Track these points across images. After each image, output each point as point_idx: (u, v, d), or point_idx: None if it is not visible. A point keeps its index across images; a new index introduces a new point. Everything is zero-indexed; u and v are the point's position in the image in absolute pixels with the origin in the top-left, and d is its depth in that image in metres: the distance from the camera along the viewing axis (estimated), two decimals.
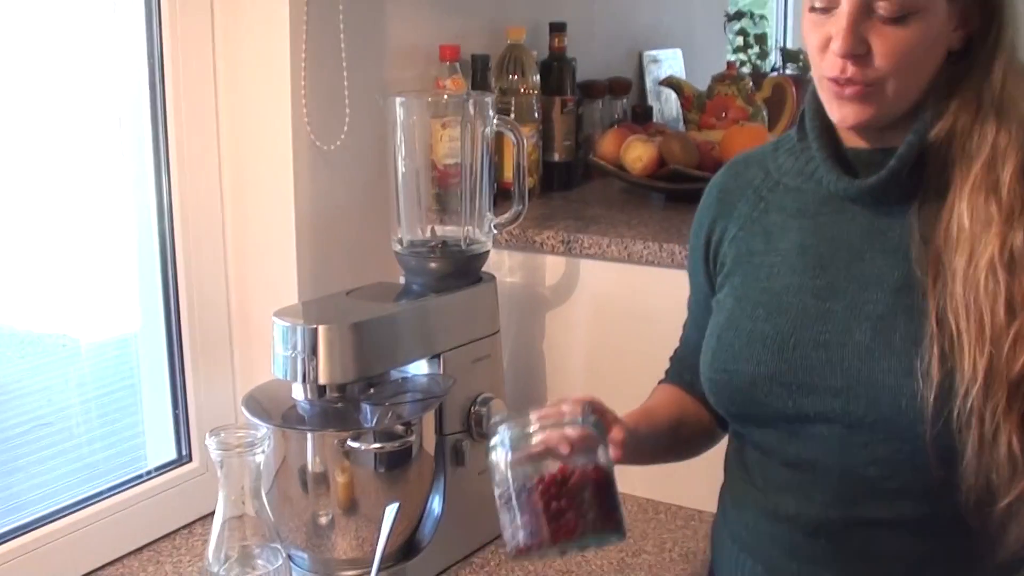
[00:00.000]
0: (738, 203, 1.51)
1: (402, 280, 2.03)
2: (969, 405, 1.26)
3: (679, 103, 2.96)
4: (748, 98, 2.81)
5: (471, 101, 1.97)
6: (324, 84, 2.02)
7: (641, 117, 2.94)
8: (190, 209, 2.01)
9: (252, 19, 1.99)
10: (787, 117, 2.87)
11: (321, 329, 1.73)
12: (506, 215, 2.04)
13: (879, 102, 1.32)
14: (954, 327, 1.28)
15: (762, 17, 3.20)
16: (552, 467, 1.30)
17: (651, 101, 3.18)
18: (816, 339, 1.38)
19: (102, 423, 2.00)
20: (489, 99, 1.98)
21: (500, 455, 1.32)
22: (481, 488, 1.57)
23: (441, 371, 1.91)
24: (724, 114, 2.80)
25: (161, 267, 2.03)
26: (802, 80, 2.98)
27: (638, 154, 2.45)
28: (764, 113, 2.83)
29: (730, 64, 2.91)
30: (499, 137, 2.14)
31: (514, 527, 1.32)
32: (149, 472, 2.02)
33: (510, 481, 1.31)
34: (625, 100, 2.92)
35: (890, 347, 1.33)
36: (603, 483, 1.31)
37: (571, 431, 1.31)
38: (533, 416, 1.33)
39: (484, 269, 2.04)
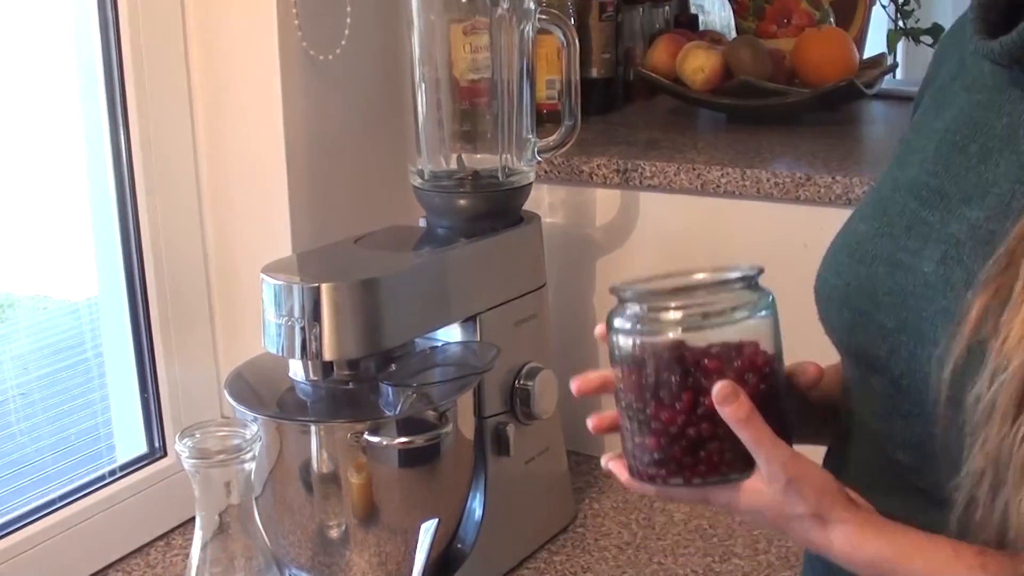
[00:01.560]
0: (943, 65, 1.12)
1: (423, 222, 1.62)
2: (989, 398, 0.83)
3: (731, 9, 2.54)
4: (813, 0, 2.39)
5: None
6: None
7: (687, 26, 2.53)
8: (153, 140, 1.60)
9: None
10: (859, 21, 2.45)
11: (324, 288, 1.33)
12: (554, 136, 1.62)
13: None
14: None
15: None
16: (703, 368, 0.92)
17: (693, 9, 2.75)
18: (893, 256, 1.01)
19: (51, 411, 1.59)
20: None
21: (626, 344, 0.94)
22: (530, 481, 1.38)
23: (478, 338, 1.50)
24: (787, 20, 2.38)
25: (119, 215, 1.62)
26: None
27: (699, 64, 2.03)
28: (832, 18, 2.40)
29: None
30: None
31: (634, 444, 0.96)
32: (114, 472, 1.61)
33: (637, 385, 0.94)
34: (667, 8, 2.50)
35: (949, 286, 0.93)
36: (770, 398, 0.94)
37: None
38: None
39: (525, 207, 1.62)
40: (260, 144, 1.62)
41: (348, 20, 1.63)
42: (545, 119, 1.99)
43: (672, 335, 0.93)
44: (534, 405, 1.54)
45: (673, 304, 0.94)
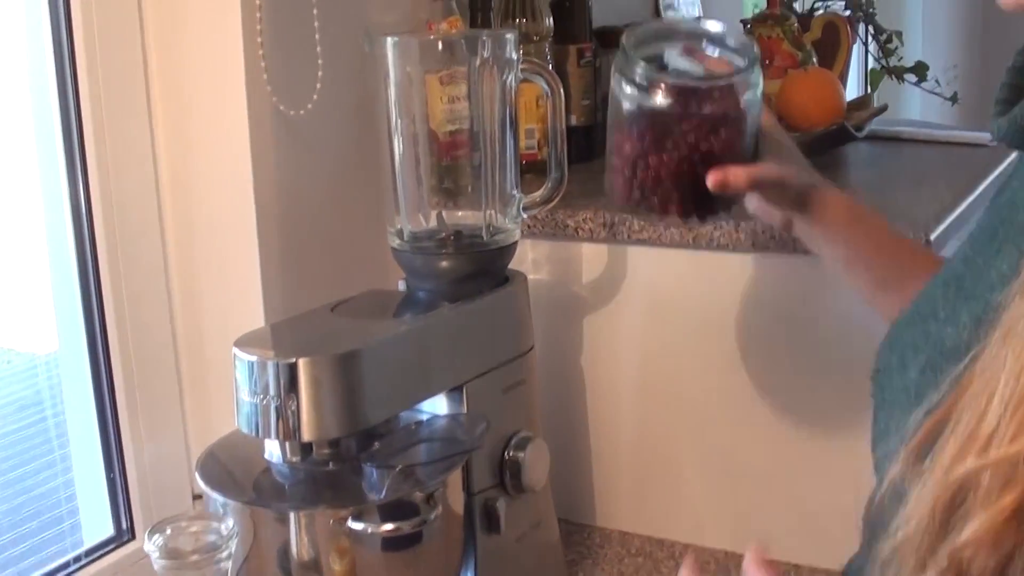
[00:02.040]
0: None
1: (402, 285, 1.53)
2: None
3: None
4: (795, 40, 2.32)
5: (486, 40, 1.46)
6: (288, 29, 1.52)
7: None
8: (115, 203, 1.51)
9: None
10: (841, 62, 2.39)
11: (302, 364, 1.23)
12: (540, 192, 1.54)
13: None
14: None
15: None
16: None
17: None
18: (903, 353, 0.96)
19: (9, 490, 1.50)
20: (510, 36, 1.47)
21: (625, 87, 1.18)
22: (521, 556, 1.38)
23: (465, 408, 1.41)
24: (769, 61, 2.31)
25: (80, 279, 1.53)
26: (855, 18, 2.50)
27: None
28: (814, 58, 2.34)
29: (771, 1, 2.42)
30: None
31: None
32: (79, 558, 1.50)
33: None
34: None
35: (920, 400, 0.79)
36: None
37: None
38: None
39: (508, 265, 1.54)
40: (229, 204, 1.54)
41: (320, 73, 1.54)
42: (524, 169, 1.91)
43: None
44: (525, 477, 1.45)
45: None
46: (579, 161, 2.07)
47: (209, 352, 1.57)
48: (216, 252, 1.56)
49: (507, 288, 1.50)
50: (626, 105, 1.23)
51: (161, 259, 1.57)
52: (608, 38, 2.27)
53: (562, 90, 1.50)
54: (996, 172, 1.86)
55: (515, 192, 1.50)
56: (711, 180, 1.18)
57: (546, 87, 1.49)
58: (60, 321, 1.57)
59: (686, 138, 1.18)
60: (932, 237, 1.48)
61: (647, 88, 1.19)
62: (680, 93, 1.18)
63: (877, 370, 1.04)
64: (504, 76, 1.45)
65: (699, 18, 2.55)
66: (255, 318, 1.53)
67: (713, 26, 1.26)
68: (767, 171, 1.23)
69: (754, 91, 1.19)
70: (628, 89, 1.22)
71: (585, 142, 2.13)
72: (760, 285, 1.61)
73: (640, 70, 1.19)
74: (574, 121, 2.10)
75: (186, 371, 1.60)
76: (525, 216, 1.53)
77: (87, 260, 1.52)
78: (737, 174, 1.18)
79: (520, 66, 1.47)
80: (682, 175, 1.19)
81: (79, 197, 1.50)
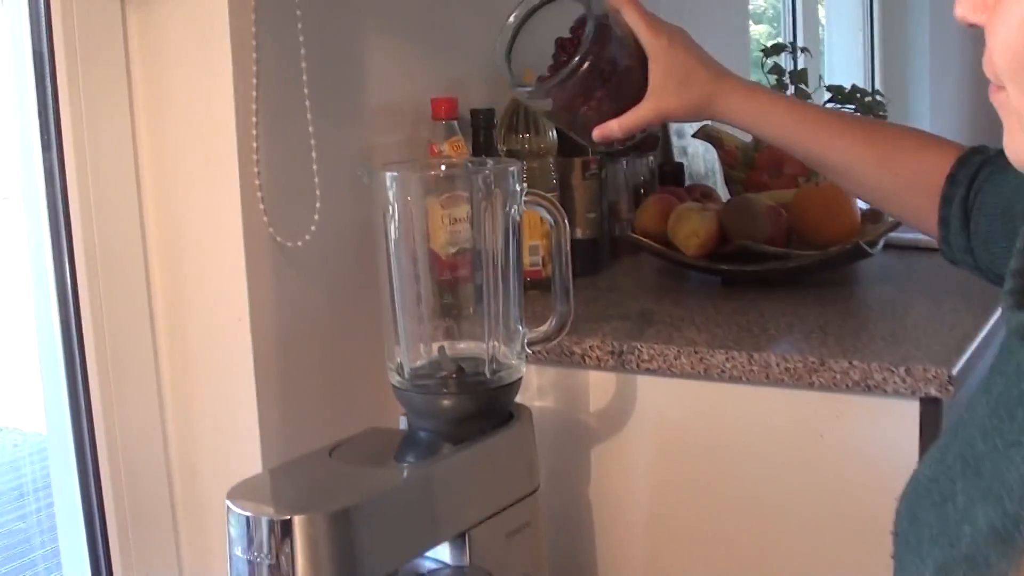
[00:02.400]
0: None
1: (403, 423, 1.47)
2: None
3: (715, 159, 2.42)
4: None
5: (487, 172, 1.41)
6: (285, 158, 1.48)
7: (672, 178, 2.41)
8: (109, 342, 1.46)
9: (181, 72, 1.45)
10: None
11: (297, 522, 1.17)
12: (544, 326, 1.48)
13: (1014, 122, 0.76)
14: None
15: (804, 51, 2.67)
16: None
17: (676, 157, 2.64)
18: (919, 535, 0.89)
19: None
20: (514, 169, 1.42)
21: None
22: None
23: (468, 557, 1.35)
24: (778, 169, 2.27)
25: (72, 418, 1.47)
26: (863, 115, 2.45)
27: (692, 228, 1.91)
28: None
29: None
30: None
31: None
32: None
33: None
34: (651, 158, 2.38)
35: None
36: None
37: None
38: None
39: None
40: (224, 340, 1.49)
41: (318, 204, 1.49)
42: (528, 286, 1.86)
43: None
44: None
45: None
46: (584, 275, 2.03)
47: (205, 495, 1.51)
48: (212, 389, 1.51)
49: (512, 427, 1.44)
50: None
51: (156, 397, 1.52)
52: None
53: (566, 221, 1.45)
54: None
55: (520, 327, 1.44)
56: (597, 137, 1.36)
57: (550, 218, 1.44)
58: (55, 473, 1.51)
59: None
60: (954, 372, 1.42)
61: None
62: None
63: (896, 533, 0.98)
64: (507, 208, 1.41)
65: None
66: (252, 457, 1.48)
67: None
68: (643, 118, 1.34)
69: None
70: None
71: (591, 256, 2.08)
72: (774, 419, 1.55)
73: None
74: (579, 234, 2.05)
75: (182, 516, 1.55)
76: (530, 352, 1.47)
77: (79, 399, 1.46)
78: (611, 128, 1.35)
79: (523, 197, 1.42)
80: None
81: (71, 329, 1.45)
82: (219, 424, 1.51)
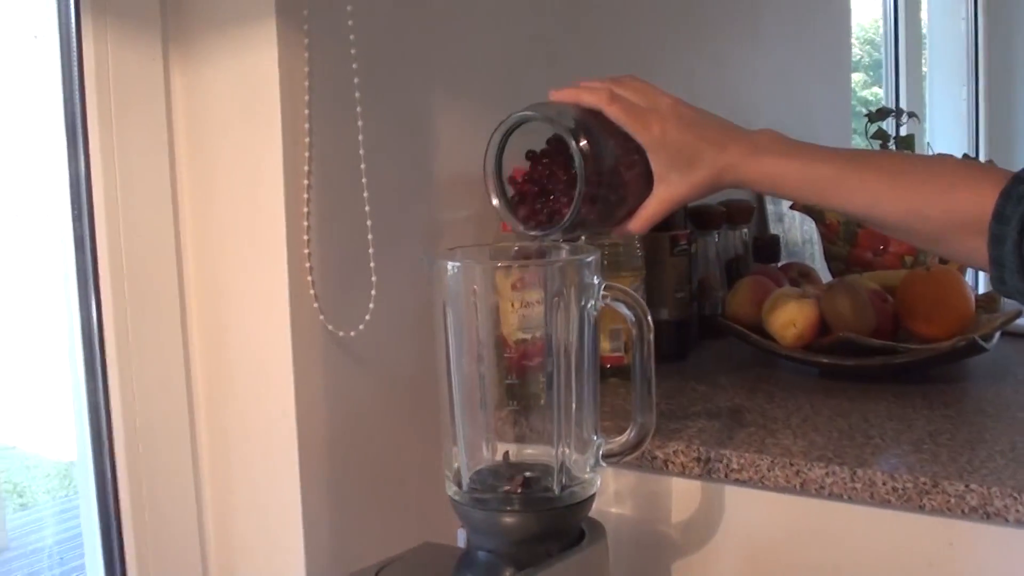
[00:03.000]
0: None
1: (461, 538, 1.31)
2: None
3: (813, 231, 2.26)
4: None
5: (563, 265, 1.26)
6: (339, 238, 1.35)
7: (767, 252, 2.25)
8: (140, 436, 1.33)
9: (228, 141, 1.32)
10: None
11: None
12: (624, 438, 1.31)
13: None
14: None
15: (912, 116, 2.50)
16: None
17: (772, 227, 2.48)
18: None
19: None
20: (592, 259, 1.27)
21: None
22: None
23: None
24: (883, 247, 2.09)
25: (101, 519, 1.33)
26: None
27: (790, 317, 1.74)
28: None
29: None
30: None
31: None
32: None
33: None
34: (745, 230, 2.22)
35: None
36: None
37: None
38: None
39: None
40: (270, 438, 1.35)
41: (373, 291, 1.35)
42: (609, 373, 1.71)
43: None
44: None
45: None
46: (669, 361, 1.88)
47: None
48: (254, 491, 1.38)
49: (583, 550, 1.28)
50: None
51: (194, 499, 1.38)
52: (706, 219, 2.08)
53: (649, 319, 1.29)
54: None
55: (595, 436, 1.28)
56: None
57: (630, 315, 1.28)
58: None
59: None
60: None
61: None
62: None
63: None
64: (582, 302, 1.25)
65: None
66: (295, 569, 1.34)
67: None
68: (656, 212, 1.30)
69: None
70: None
71: (678, 339, 1.93)
72: (878, 544, 1.38)
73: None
74: (666, 316, 1.90)
75: None
76: (604, 465, 1.31)
77: (108, 503, 1.33)
78: (628, 230, 1.33)
79: (602, 292, 1.26)
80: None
81: (101, 430, 1.32)
82: (261, 530, 1.37)
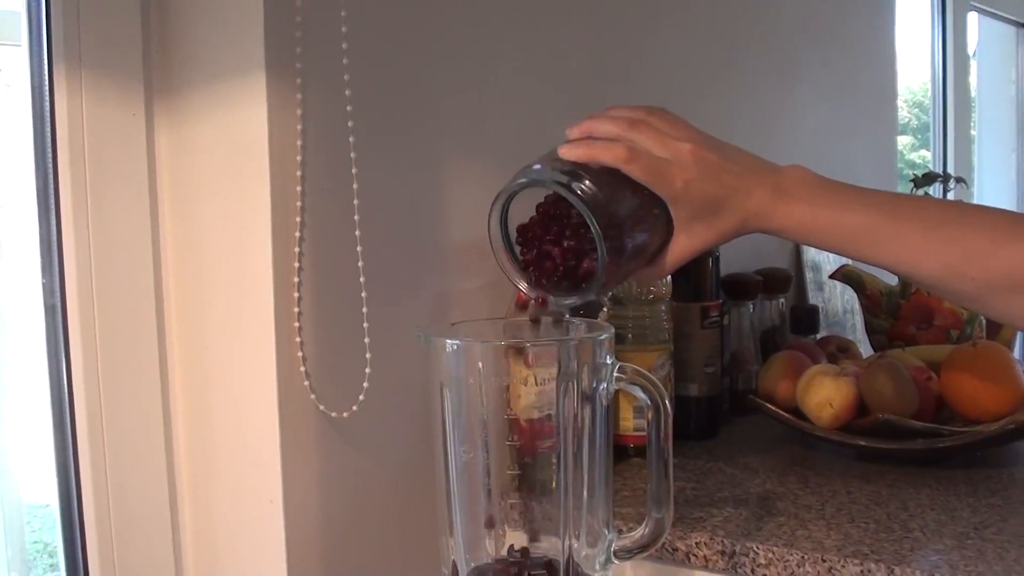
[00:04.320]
0: None
1: None
2: None
3: (854, 300, 2.14)
4: None
5: (572, 344, 1.16)
6: (332, 314, 1.25)
7: (805, 323, 2.13)
8: (114, 528, 1.23)
9: (213, 208, 1.24)
10: None
11: None
12: (638, 534, 1.20)
13: None
14: None
15: (959, 181, 2.39)
16: None
17: (811, 296, 2.36)
18: None
19: None
20: (604, 337, 1.16)
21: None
22: None
23: None
24: (927, 321, 1.98)
25: None
26: None
27: (827, 396, 1.63)
28: (983, 317, 1.99)
29: None
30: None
31: None
32: None
33: None
34: (783, 300, 2.11)
35: None
36: None
37: None
38: None
39: None
40: (255, 525, 1.25)
41: (368, 370, 1.25)
42: (632, 453, 1.61)
43: None
44: None
45: None
46: (699, 439, 1.78)
47: None
48: None
49: None
50: None
51: None
52: (739, 288, 1.98)
53: (668, 404, 1.18)
54: None
55: (606, 530, 1.17)
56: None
57: (646, 399, 1.18)
58: None
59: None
60: None
61: None
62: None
63: None
64: (595, 384, 1.15)
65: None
66: None
67: None
68: (680, 257, 1.18)
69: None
70: None
71: (707, 417, 1.82)
72: None
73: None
74: (695, 391, 1.80)
75: None
76: (616, 562, 1.20)
77: None
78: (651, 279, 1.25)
79: (616, 373, 1.16)
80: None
81: (72, 519, 1.22)
82: None
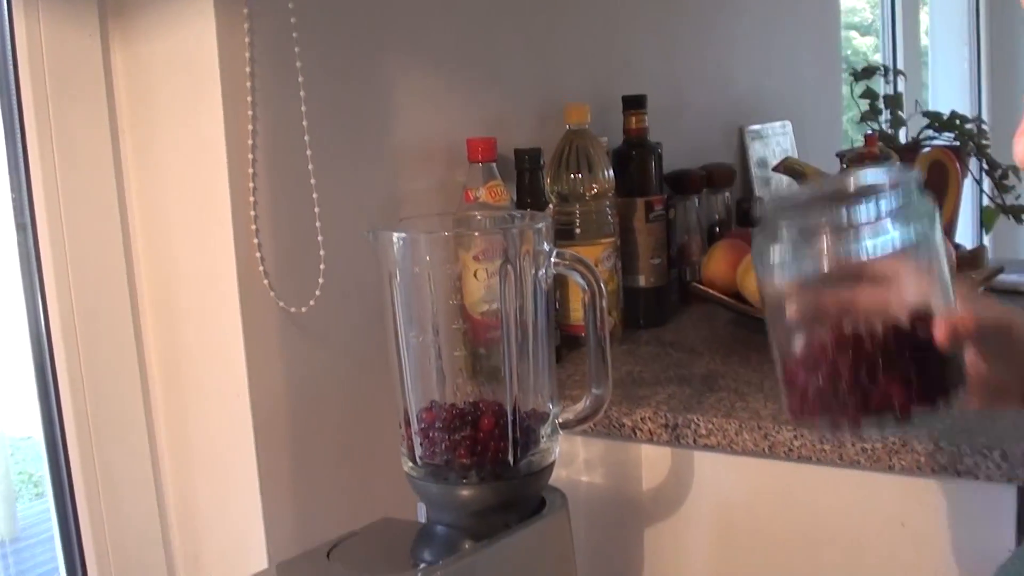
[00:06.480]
0: None
1: (422, 513, 1.29)
2: None
3: None
4: None
5: (513, 231, 1.24)
6: (286, 216, 1.32)
7: (751, 216, 2.21)
8: (92, 423, 1.31)
9: (170, 118, 1.30)
10: (950, 204, 2.13)
11: None
12: (579, 407, 1.29)
13: None
14: None
15: (899, 73, 2.46)
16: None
17: (758, 191, 2.44)
18: None
19: None
20: (542, 224, 1.24)
21: (774, 273, 0.90)
22: None
23: None
24: None
25: (57, 506, 1.32)
26: (963, 152, 2.24)
27: None
28: None
29: (869, 137, 2.17)
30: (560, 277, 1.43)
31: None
32: None
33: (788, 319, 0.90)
34: (728, 193, 2.19)
35: None
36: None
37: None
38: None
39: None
40: (225, 416, 1.33)
41: (322, 265, 1.33)
42: (583, 343, 1.68)
43: None
44: None
45: None
46: (648, 327, 1.86)
47: None
48: (213, 471, 1.36)
49: (544, 518, 1.25)
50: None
51: (153, 482, 1.36)
52: (684, 183, 2.05)
53: (603, 287, 1.26)
54: None
55: (551, 405, 1.26)
56: (940, 333, 0.86)
57: (583, 283, 1.26)
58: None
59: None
60: None
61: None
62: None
63: None
64: (535, 270, 1.23)
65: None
66: (257, 547, 1.33)
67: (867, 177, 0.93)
68: (991, 314, 0.93)
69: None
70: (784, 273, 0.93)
71: (655, 306, 1.90)
72: (850, 504, 1.36)
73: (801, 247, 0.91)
74: (642, 283, 1.88)
75: None
76: (562, 433, 1.29)
77: (63, 483, 1.31)
78: (963, 320, 0.87)
79: (553, 259, 1.24)
80: (890, 358, 0.88)
81: (52, 413, 1.30)
82: (222, 510, 1.36)
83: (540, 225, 1.24)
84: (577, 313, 1.72)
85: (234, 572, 1.22)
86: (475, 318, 1.28)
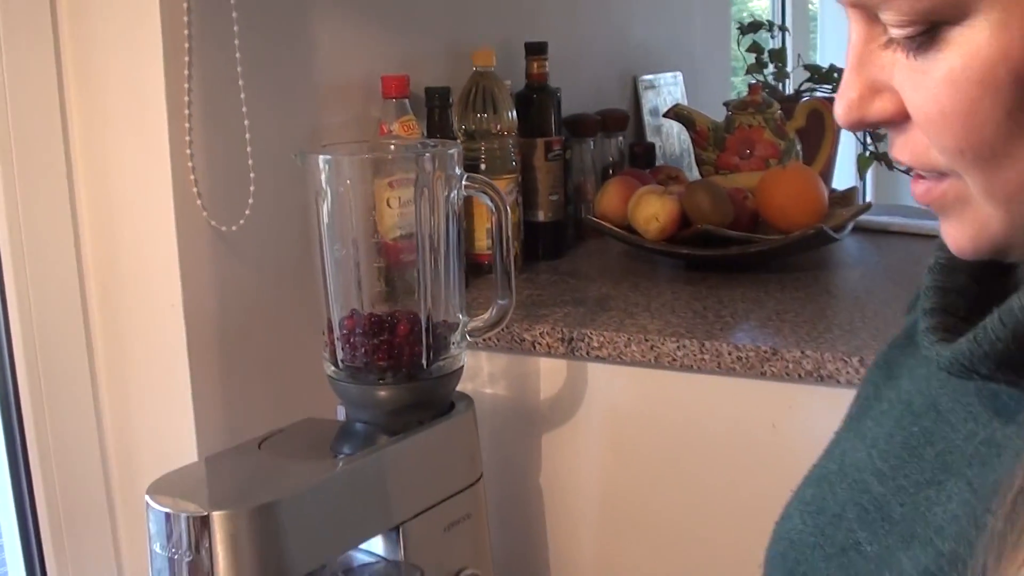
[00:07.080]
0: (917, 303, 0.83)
1: (341, 414, 1.42)
2: None
3: (689, 139, 2.37)
4: (778, 129, 2.23)
5: (427, 156, 1.37)
6: (220, 142, 1.43)
7: (642, 159, 2.37)
8: (37, 331, 1.42)
9: (113, 53, 1.41)
10: (827, 150, 2.29)
11: (216, 518, 1.13)
12: (485, 316, 1.44)
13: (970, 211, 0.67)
14: None
15: (782, 28, 2.62)
16: None
17: (650, 136, 2.59)
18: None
19: None
20: (454, 151, 1.38)
21: None
22: None
23: (402, 553, 1.31)
24: (750, 151, 2.22)
25: (3, 424, 1.43)
26: None
27: (653, 212, 1.86)
28: (799, 147, 2.24)
29: (753, 87, 2.32)
30: (468, 201, 1.56)
31: None
32: None
33: None
34: (621, 138, 2.34)
35: None
36: None
37: None
38: None
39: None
40: (159, 326, 1.44)
41: (252, 187, 1.45)
42: (487, 270, 1.82)
43: None
44: None
45: None
46: (547, 259, 2.00)
47: (142, 486, 1.47)
48: (147, 377, 1.47)
49: (452, 418, 1.40)
50: None
51: (90, 386, 1.48)
52: (581, 127, 2.19)
53: (509, 210, 1.40)
54: None
55: (460, 315, 1.40)
56: None
57: (491, 205, 1.40)
58: None
59: None
60: None
61: None
62: None
63: None
64: (447, 192, 1.36)
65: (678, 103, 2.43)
66: (188, 448, 1.44)
67: None
68: None
69: None
70: None
71: (553, 239, 2.04)
72: (726, 409, 1.51)
73: None
74: (541, 217, 2.02)
75: (119, 507, 1.51)
76: (471, 339, 1.43)
77: (7, 384, 1.42)
78: None
79: (464, 182, 1.37)
80: None
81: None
82: (155, 413, 1.47)
83: (452, 151, 1.37)
84: (481, 242, 1.86)
85: (165, 470, 1.34)
86: (388, 243, 1.42)
